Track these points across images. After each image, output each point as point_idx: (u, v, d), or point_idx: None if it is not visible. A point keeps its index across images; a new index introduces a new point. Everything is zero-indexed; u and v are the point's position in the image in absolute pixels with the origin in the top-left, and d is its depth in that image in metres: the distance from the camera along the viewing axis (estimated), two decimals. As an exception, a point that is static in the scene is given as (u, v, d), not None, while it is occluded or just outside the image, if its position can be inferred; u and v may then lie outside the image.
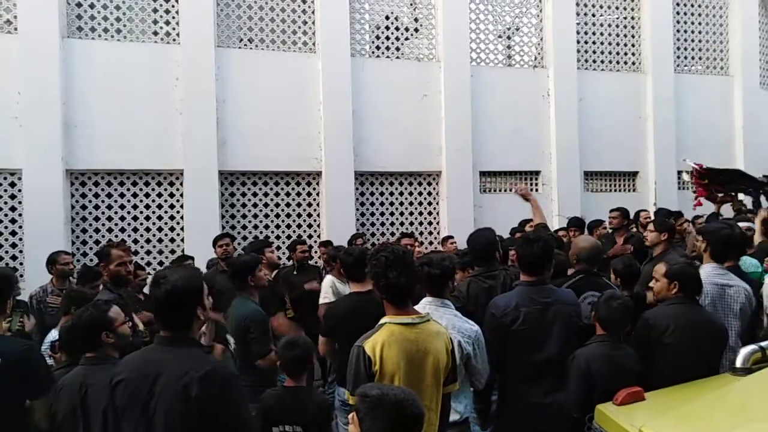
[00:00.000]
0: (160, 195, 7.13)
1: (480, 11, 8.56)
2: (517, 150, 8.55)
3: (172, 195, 7.16)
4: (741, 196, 7.37)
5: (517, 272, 3.30)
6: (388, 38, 8.13)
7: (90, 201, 6.85)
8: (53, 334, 3.60)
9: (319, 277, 5.42)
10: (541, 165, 8.72)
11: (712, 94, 9.62)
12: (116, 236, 6.83)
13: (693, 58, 9.71)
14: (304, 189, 7.74)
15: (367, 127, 7.79)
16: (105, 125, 6.75)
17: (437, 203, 8.34)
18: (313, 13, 7.69)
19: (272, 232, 7.56)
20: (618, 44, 9.25)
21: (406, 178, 8.22)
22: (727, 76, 9.81)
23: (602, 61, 9.17)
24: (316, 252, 6.89)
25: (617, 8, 9.24)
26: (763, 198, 7.24)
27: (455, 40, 8.21)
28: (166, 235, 7.13)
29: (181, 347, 1.99)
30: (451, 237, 6.87)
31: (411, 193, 8.25)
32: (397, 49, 8.22)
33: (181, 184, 7.10)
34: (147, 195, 7.08)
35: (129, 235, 6.95)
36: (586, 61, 9.06)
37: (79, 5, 6.83)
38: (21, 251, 6.49)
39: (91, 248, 6.71)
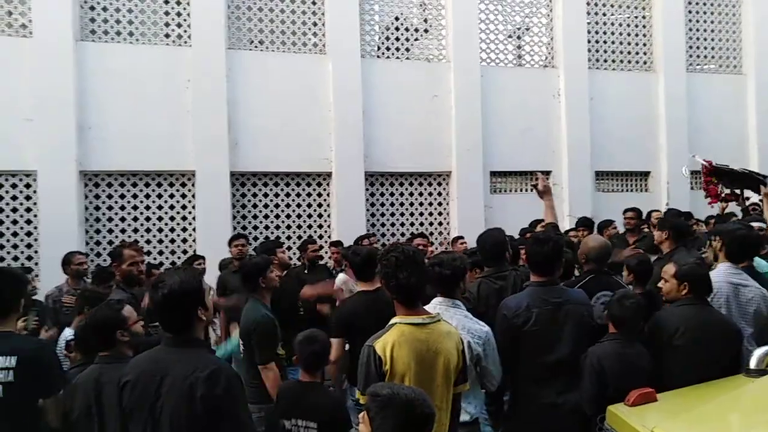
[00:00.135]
0: (172, 196, 7.20)
1: (490, 11, 8.54)
2: (528, 150, 8.52)
3: (184, 196, 7.22)
4: (748, 193, 7.24)
5: (527, 272, 3.30)
6: (398, 39, 8.14)
7: (103, 202, 6.93)
8: (67, 333, 3.65)
9: (329, 277, 5.44)
10: (551, 165, 8.68)
11: (725, 92, 9.52)
12: (129, 237, 6.91)
13: (705, 56, 9.61)
14: (314, 189, 7.77)
15: (377, 128, 7.80)
16: (118, 127, 6.82)
17: (447, 203, 8.33)
18: (323, 14, 7.72)
19: (283, 232, 7.60)
20: (629, 43, 9.19)
21: (416, 179, 8.23)
22: (740, 75, 9.70)
23: (613, 61, 9.11)
24: (326, 252, 6.91)
25: (628, 7, 9.18)
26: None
27: (465, 40, 8.20)
28: (178, 235, 7.19)
29: (186, 348, 2.02)
30: (462, 237, 6.87)
31: (421, 194, 8.25)
32: (407, 49, 8.22)
33: (193, 185, 7.16)
34: (159, 196, 7.14)
35: (142, 236, 7.02)
36: (597, 60, 9.00)
37: (92, 9, 6.91)
38: (36, 251, 6.58)
39: (104, 248, 6.79)
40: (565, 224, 7.70)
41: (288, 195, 7.66)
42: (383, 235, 7.91)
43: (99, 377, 2.46)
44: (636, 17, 9.21)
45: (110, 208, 6.96)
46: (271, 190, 7.60)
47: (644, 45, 9.26)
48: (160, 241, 7.13)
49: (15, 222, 6.60)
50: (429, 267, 2.65)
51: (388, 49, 8.11)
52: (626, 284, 3.66)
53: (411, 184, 8.21)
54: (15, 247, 6.59)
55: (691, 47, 9.44)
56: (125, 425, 2.04)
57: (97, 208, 6.91)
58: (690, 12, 9.42)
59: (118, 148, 6.83)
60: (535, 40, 8.85)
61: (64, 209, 6.56)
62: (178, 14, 7.23)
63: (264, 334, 3.37)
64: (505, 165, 8.49)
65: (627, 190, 9.21)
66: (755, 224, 4.76)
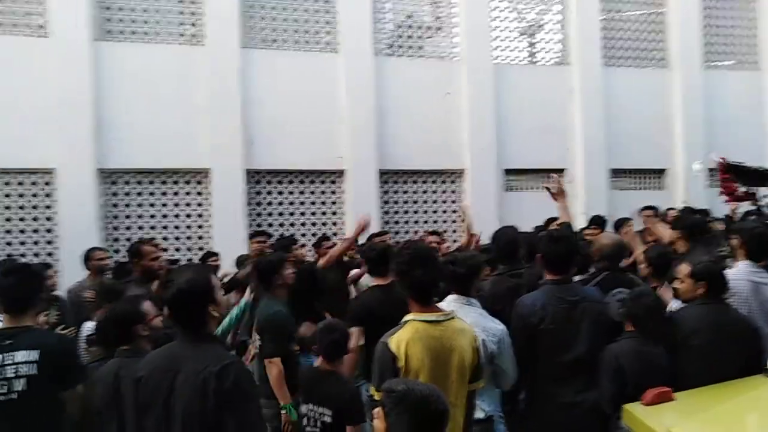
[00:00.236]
0: (188, 194, 7.28)
1: (502, 9, 8.51)
2: (542, 148, 8.47)
3: (199, 194, 7.30)
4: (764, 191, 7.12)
5: (542, 270, 3.29)
6: (410, 37, 8.14)
7: (121, 199, 7.03)
8: (88, 327, 3.71)
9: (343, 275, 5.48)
10: (566, 163, 8.62)
11: (741, 89, 9.37)
12: (146, 234, 6.99)
13: (722, 52, 9.48)
14: (328, 187, 7.81)
15: (390, 126, 7.81)
16: (135, 126, 6.91)
17: (461, 201, 8.32)
18: (335, 13, 7.74)
19: (297, 230, 7.64)
20: (644, 40, 9.10)
21: (429, 176, 8.23)
22: (757, 71, 9.55)
23: (628, 58, 9.02)
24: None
25: (643, 3, 9.09)
26: None
27: (478, 38, 8.18)
28: (194, 232, 7.27)
29: (199, 343, 2.03)
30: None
31: (435, 192, 8.25)
32: (420, 47, 8.22)
33: (209, 183, 7.23)
34: (176, 193, 7.23)
35: (159, 233, 7.11)
36: (612, 57, 8.92)
37: (108, 9, 7.00)
38: (57, 248, 6.70)
39: (122, 245, 6.88)
40: (582, 222, 7.64)
41: (302, 192, 7.71)
42: (396, 232, 7.92)
43: (118, 371, 2.50)
44: (651, 13, 9.11)
45: (128, 205, 7.05)
46: (285, 187, 7.65)
47: (659, 41, 9.16)
48: (177, 238, 7.22)
49: (36, 219, 6.72)
50: (443, 265, 2.66)
51: (400, 47, 8.12)
52: (642, 277, 3.64)
53: (424, 182, 8.21)
54: (36, 243, 6.71)
55: (707, 43, 9.32)
56: (140, 419, 2.07)
57: (115, 205, 7.01)
58: (706, 8, 9.29)
59: (135, 146, 6.92)
60: (549, 38, 8.79)
61: (83, 207, 6.66)
62: (193, 14, 7.30)
63: (272, 328, 3.41)
64: (518, 163, 8.46)
65: (642, 188, 9.12)
66: None
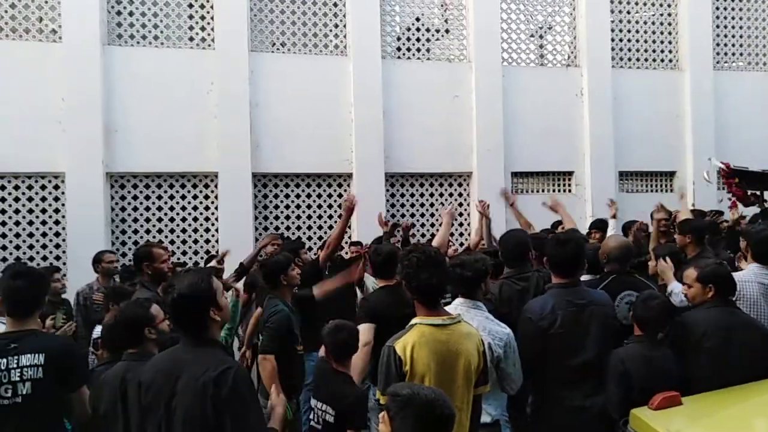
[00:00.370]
0: (195, 197, 7.31)
1: (512, 11, 8.49)
2: (550, 150, 8.43)
3: (207, 197, 7.33)
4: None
5: (549, 274, 3.27)
6: (418, 39, 8.14)
7: (129, 203, 7.07)
8: (98, 331, 3.72)
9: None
10: (574, 165, 8.58)
11: (753, 90, 9.28)
12: (154, 237, 7.03)
13: (733, 54, 9.40)
14: (335, 190, 7.81)
15: (397, 129, 7.81)
16: (143, 129, 6.96)
17: (468, 204, 8.29)
18: (344, 16, 7.76)
19: (304, 233, 7.65)
20: (654, 41, 9.04)
21: (436, 179, 8.21)
22: (770, 72, 9.47)
23: (638, 59, 8.97)
24: (346, 253, 6.93)
25: (653, 4, 9.03)
26: None
27: (486, 40, 8.16)
28: (201, 236, 7.29)
29: (201, 348, 2.04)
30: (482, 239, 6.81)
31: (442, 194, 8.23)
32: (428, 50, 8.22)
33: (216, 186, 7.25)
34: (183, 197, 7.26)
35: (166, 236, 7.14)
36: (621, 59, 8.88)
37: (119, 14, 7.06)
38: (64, 251, 6.74)
39: (129, 249, 6.91)
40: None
41: (309, 196, 7.72)
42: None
43: (125, 374, 2.50)
44: (662, 14, 9.05)
45: (135, 209, 7.09)
46: (292, 191, 7.66)
47: (670, 43, 9.10)
48: (184, 242, 7.24)
49: (44, 222, 6.77)
50: (450, 268, 2.65)
51: (408, 50, 8.12)
52: (652, 274, 3.62)
53: (431, 185, 8.20)
54: (44, 247, 6.76)
55: (718, 44, 9.25)
56: (143, 422, 2.08)
57: (123, 209, 7.05)
58: (717, 8, 9.23)
59: (144, 150, 6.96)
60: (558, 39, 8.76)
61: (91, 210, 6.70)
62: (202, 18, 7.34)
63: (271, 326, 3.43)
64: (526, 165, 8.42)
65: (652, 191, 9.06)
66: None
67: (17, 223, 6.70)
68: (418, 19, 8.16)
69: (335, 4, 7.77)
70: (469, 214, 8.29)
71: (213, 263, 5.57)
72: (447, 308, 2.52)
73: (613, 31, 8.78)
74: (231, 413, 1.93)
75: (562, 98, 8.51)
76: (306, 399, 4.22)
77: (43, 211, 6.78)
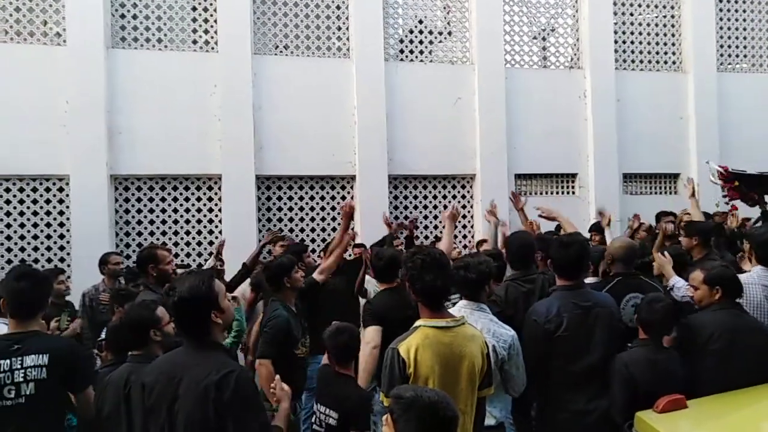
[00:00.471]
0: (199, 199, 7.32)
1: (514, 13, 8.49)
2: (554, 152, 8.43)
3: (210, 199, 7.34)
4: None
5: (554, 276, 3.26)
6: (421, 42, 8.15)
7: (133, 205, 7.08)
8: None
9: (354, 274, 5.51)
10: (578, 167, 8.57)
11: (757, 92, 9.25)
12: (157, 239, 7.05)
13: (737, 55, 9.38)
14: (338, 193, 7.81)
15: (401, 131, 7.82)
16: (147, 132, 6.98)
17: (471, 206, 8.29)
18: (347, 18, 7.78)
19: (307, 235, 7.66)
20: (658, 43, 9.03)
21: (440, 182, 8.21)
22: (774, 74, 9.44)
23: (641, 61, 8.96)
24: (350, 255, 6.92)
25: (657, 6, 9.02)
26: None
27: (489, 42, 8.17)
28: (204, 238, 7.30)
29: (203, 351, 2.03)
30: (486, 240, 6.80)
31: (445, 197, 8.23)
32: (431, 52, 8.22)
33: (219, 188, 7.27)
34: (187, 199, 7.27)
35: (170, 238, 7.16)
36: (624, 61, 8.87)
37: (123, 17, 7.09)
38: (68, 254, 6.76)
39: (133, 250, 6.93)
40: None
41: (312, 198, 7.72)
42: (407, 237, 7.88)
43: (129, 376, 2.51)
44: (665, 16, 9.04)
45: (139, 211, 7.11)
46: (295, 193, 7.67)
47: (673, 45, 9.08)
48: (188, 244, 7.25)
49: (48, 224, 6.79)
50: (454, 270, 2.64)
51: (411, 52, 8.12)
52: (657, 275, 3.61)
53: (435, 187, 8.19)
54: (48, 249, 6.78)
55: (722, 46, 9.23)
56: (146, 424, 2.08)
57: (127, 211, 7.07)
58: (721, 10, 9.21)
59: (147, 152, 6.98)
60: (561, 41, 8.76)
61: (95, 212, 6.72)
62: (206, 21, 7.36)
63: (269, 331, 3.42)
64: (530, 167, 8.42)
65: (655, 193, 9.04)
66: None
67: (22, 225, 6.72)
68: (420, 21, 8.16)
69: (338, 7, 7.79)
70: (472, 216, 8.29)
71: (211, 261, 5.59)
72: (451, 310, 2.52)
73: (616, 32, 8.77)
74: (234, 417, 1.92)
75: (565, 100, 8.50)
76: (308, 402, 4.22)
77: (48, 213, 6.80)
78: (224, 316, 2.11)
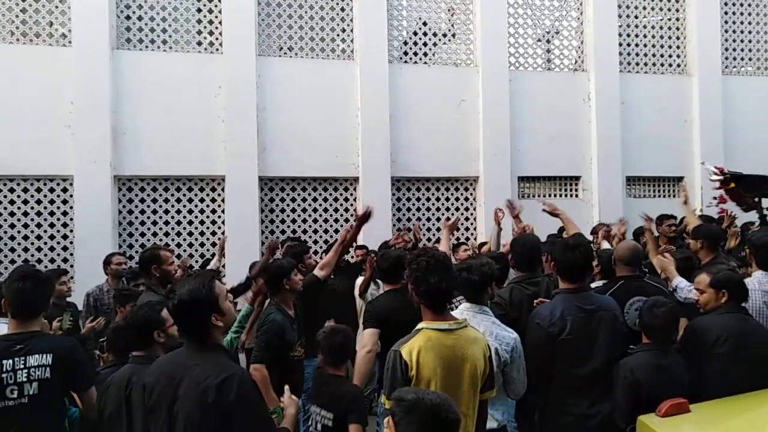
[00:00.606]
0: (202, 200, 7.33)
1: (519, 15, 8.49)
2: (557, 155, 8.41)
3: (213, 200, 7.35)
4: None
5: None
6: (425, 44, 8.15)
7: (136, 206, 7.10)
8: None
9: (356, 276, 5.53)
10: (581, 170, 8.55)
11: (762, 95, 9.22)
12: (161, 240, 7.06)
13: (742, 58, 9.35)
14: (341, 194, 7.82)
15: (404, 133, 7.82)
16: (151, 133, 7.00)
17: (474, 209, 8.28)
18: (351, 20, 7.79)
19: (310, 236, 7.66)
20: (662, 46, 9.01)
21: (443, 184, 8.20)
22: (779, 77, 9.41)
23: (645, 64, 8.94)
24: (352, 257, 6.93)
25: (661, 9, 9.00)
26: None
27: (493, 44, 8.17)
28: (207, 239, 7.31)
29: (204, 353, 2.03)
30: (486, 243, 6.80)
31: (448, 199, 8.22)
32: (435, 54, 8.22)
33: (223, 189, 7.28)
34: (190, 200, 7.28)
35: (173, 239, 7.17)
36: (629, 63, 8.85)
37: (128, 18, 7.12)
38: (72, 254, 6.78)
39: (137, 251, 6.94)
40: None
41: (315, 200, 7.73)
42: (410, 240, 7.88)
43: (131, 377, 2.51)
44: (669, 19, 9.02)
45: (143, 212, 7.12)
46: (299, 194, 7.67)
47: (678, 47, 9.06)
48: (191, 245, 7.26)
49: (52, 225, 6.81)
50: (457, 272, 2.63)
51: (415, 54, 8.13)
52: (664, 279, 3.60)
53: (438, 189, 8.19)
54: (52, 249, 6.80)
55: (726, 49, 9.20)
56: (146, 424, 2.08)
57: (131, 211, 7.08)
58: (726, 13, 9.18)
59: (151, 153, 7.00)
60: (565, 44, 8.75)
61: (99, 213, 6.74)
62: (210, 22, 7.38)
63: (262, 336, 3.41)
64: (533, 170, 8.40)
65: (659, 196, 9.01)
66: None
67: (26, 226, 6.74)
68: (425, 24, 8.17)
69: (342, 9, 7.80)
70: (475, 219, 8.28)
71: (215, 261, 5.58)
72: (453, 313, 2.51)
73: (620, 35, 8.75)
74: (236, 420, 1.91)
75: (569, 103, 8.49)
76: (304, 404, 4.22)
77: (51, 213, 6.82)
78: (225, 319, 2.11)
